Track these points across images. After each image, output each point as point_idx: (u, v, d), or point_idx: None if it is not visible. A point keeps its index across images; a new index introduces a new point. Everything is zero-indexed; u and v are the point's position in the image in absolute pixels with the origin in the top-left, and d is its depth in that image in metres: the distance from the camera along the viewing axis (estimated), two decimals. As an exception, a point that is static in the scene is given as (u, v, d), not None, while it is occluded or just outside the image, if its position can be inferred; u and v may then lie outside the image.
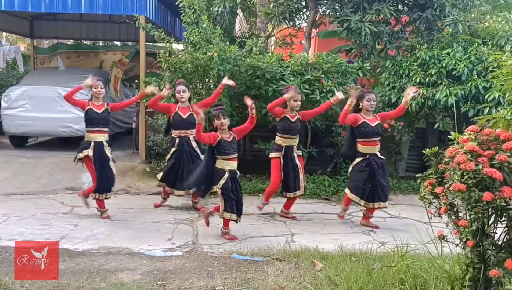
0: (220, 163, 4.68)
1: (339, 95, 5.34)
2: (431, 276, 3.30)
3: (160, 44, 9.91)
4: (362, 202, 5.26)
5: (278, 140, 5.53)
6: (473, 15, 7.79)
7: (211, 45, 6.39)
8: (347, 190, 5.40)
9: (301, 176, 5.50)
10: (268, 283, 3.63)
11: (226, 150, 4.63)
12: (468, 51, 6.90)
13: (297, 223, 5.47)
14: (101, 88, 5.32)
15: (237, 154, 4.75)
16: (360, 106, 5.27)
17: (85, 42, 15.01)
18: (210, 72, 6.32)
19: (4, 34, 17.84)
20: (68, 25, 12.70)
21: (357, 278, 3.47)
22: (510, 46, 6.80)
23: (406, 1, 7.43)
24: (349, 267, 3.69)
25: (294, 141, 5.49)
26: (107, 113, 5.38)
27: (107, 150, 5.39)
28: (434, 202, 3.20)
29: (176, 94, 5.59)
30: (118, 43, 14.74)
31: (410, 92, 5.18)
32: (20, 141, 9.02)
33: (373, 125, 5.21)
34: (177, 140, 5.62)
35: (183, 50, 7.04)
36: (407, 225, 5.46)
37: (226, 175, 4.64)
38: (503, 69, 3.06)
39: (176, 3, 6.85)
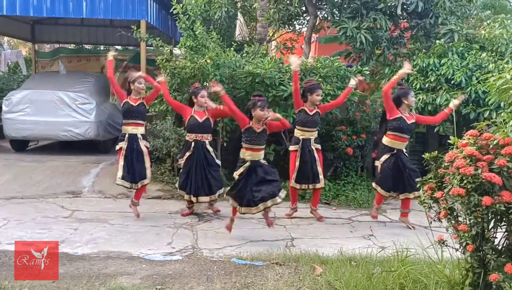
0: (242, 153, 4.69)
1: (354, 81, 5.69)
2: (431, 281, 3.30)
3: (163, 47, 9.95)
4: (394, 194, 5.45)
5: (296, 132, 5.62)
6: (471, 20, 7.81)
7: (207, 50, 6.40)
8: (376, 186, 5.52)
9: (319, 168, 5.54)
10: (268, 287, 3.62)
11: (252, 139, 4.61)
12: (466, 58, 6.92)
13: (297, 227, 5.46)
14: (144, 85, 5.47)
15: (263, 146, 4.70)
16: (405, 103, 5.33)
17: (86, 46, 15.07)
18: (207, 78, 6.33)
19: (6, 38, 17.91)
20: (69, 29, 12.77)
21: (357, 283, 3.46)
22: (510, 52, 6.83)
23: (404, 7, 7.45)
24: (349, 272, 3.68)
25: (311, 134, 5.57)
26: (143, 107, 5.44)
27: (142, 143, 5.43)
28: (433, 207, 3.20)
29: (201, 99, 5.48)
30: (119, 47, 14.81)
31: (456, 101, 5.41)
32: (20, 145, 9.04)
33: (408, 122, 5.33)
34: (193, 143, 5.55)
35: (182, 54, 7.07)
36: (407, 229, 5.44)
37: (247, 164, 4.64)
38: (497, 82, 3.07)
39: (170, 10, 6.88)
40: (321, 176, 5.58)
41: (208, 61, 6.23)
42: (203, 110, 5.55)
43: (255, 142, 4.64)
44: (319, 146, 5.69)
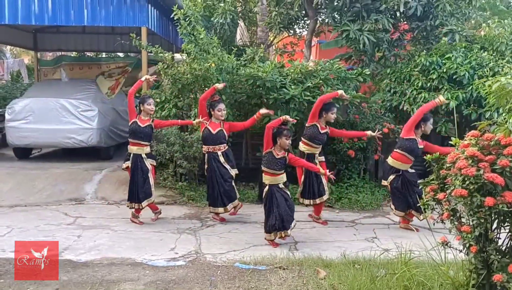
0: (263, 177, 4.84)
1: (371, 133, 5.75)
2: (436, 283, 3.28)
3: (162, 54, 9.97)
4: (412, 216, 5.47)
5: (302, 146, 5.63)
6: (472, 21, 7.85)
7: (209, 55, 6.42)
8: (392, 207, 5.56)
9: (324, 181, 5.56)
10: (271, 292, 3.61)
11: (269, 163, 4.76)
12: (468, 57, 6.94)
13: (300, 231, 5.44)
14: (154, 106, 5.64)
15: (280, 172, 4.78)
16: (422, 127, 5.40)
17: (88, 54, 15.14)
18: (210, 83, 6.35)
19: (9, 47, 18.03)
20: (71, 37, 12.84)
21: (360, 286, 3.45)
22: (510, 51, 6.83)
23: (403, 11, 7.48)
24: (352, 275, 3.67)
25: (317, 150, 5.60)
26: (150, 129, 5.55)
27: (147, 162, 5.54)
28: (436, 208, 3.18)
29: (217, 112, 5.55)
30: (121, 54, 14.87)
31: None
32: (23, 153, 9.06)
33: (419, 146, 5.37)
34: (206, 156, 5.64)
35: (182, 61, 7.09)
36: (411, 231, 5.41)
37: (266, 188, 4.80)
38: (492, 88, 3.07)
39: (171, 16, 6.91)
40: (326, 187, 5.61)
41: (213, 65, 6.27)
42: (218, 122, 5.59)
43: (271, 166, 4.75)
44: (322, 158, 5.72)
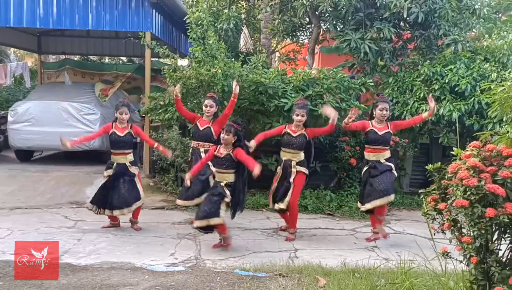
0: None
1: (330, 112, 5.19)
2: (436, 293, 3.27)
3: (165, 60, 10.03)
4: (363, 208, 5.30)
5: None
6: (474, 32, 7.86)
7: (216, 61, 6.47)
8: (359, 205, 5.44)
9: (290, 191, 5.20)
10: (271, 299, 3.60)
11: (214, 162, 4.88)
12: (471, 68, 6.95)
13: (300, 238, 5.43)
14: (125, 114, 5.42)
15: (222, 170, 4.79)
16: (374, 115, 5.29)
17: (92, 57, 15.20)
18: (215, 88, 6.39)
19: (12, 49, 18.12)
20: (75, 41, 12.93)
21: (360, 295, 3.44)
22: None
23: (407, 19, 7.50)
24: (352, 284, 3.66)
25: (292, 155, 5.33)
26: (130, 136, 5.46)
27: (132, 169, 5.47)
28: (437, 218, 3.18)
29: (203, 108, 5.57)
30: (124, 58, 14.96)
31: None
32: (25, 155, 9.10)
33: (380, 133, 5.21)
34: (191, 150, 5.70)
35: (188, 65, 7.14)
36: (411, 241, 5.40)
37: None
38: (496, 96, 3.07)
39: (184, 19, 6.97)
40: (287, 198, 5.20)
41: (219, 71, 6.31)
42: (208, 120, 5.57)
43: (216, 165, 4.88)
44: (302, 169, 5.29)
